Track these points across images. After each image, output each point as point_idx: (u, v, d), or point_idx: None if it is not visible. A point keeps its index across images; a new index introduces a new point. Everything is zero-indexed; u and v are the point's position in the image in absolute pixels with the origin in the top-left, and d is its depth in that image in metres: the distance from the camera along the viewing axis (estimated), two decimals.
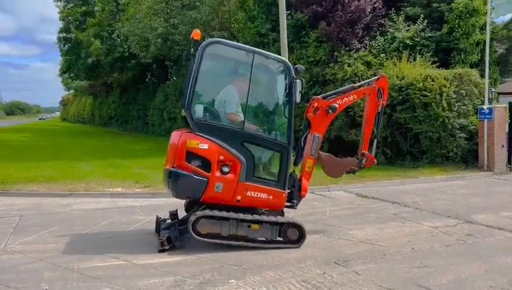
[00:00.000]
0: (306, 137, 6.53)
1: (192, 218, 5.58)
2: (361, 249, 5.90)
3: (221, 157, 5.63)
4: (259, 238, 5.92)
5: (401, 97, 13.19)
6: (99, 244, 6.06)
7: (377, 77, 6.94)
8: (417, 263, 5.37)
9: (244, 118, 5.80)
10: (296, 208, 6.41)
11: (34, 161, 15.06)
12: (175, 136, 5.84)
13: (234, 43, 6.43)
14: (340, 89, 7.07)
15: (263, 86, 6.32)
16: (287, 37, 16.88)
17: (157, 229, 5.97)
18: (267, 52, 6.28)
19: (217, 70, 6.44)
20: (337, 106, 6.46)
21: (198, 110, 5.74)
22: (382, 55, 14.62)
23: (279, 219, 5.93)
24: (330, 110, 6.40)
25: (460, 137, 13.12)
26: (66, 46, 42.31)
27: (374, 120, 7.00)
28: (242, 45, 6.42)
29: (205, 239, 5.66)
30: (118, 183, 10.35)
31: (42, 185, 10.02)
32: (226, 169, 5.65)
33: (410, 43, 14.56)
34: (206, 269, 5.14)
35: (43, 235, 6.54)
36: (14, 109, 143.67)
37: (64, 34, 42.43)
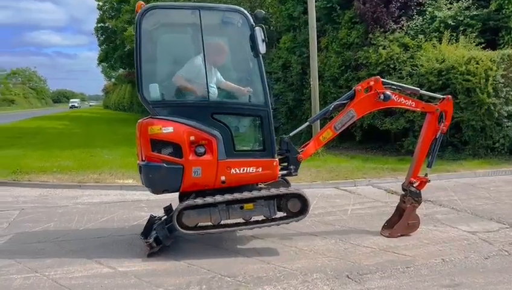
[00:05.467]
0: (340, 106, 5.72)
1: (176, 211, 4.95)
2: (381, 259, 5.04)
3: (192, 138, 4.91)
4: (259, 219, 5.24)
5: (440, 82, 11.95)
6: (87, 246, 5.53)
7: (442, 97, 5.92)
8: (447, 280, 4.47)
9: (207, 87, 5.04)
10: (295, 174, 5.59)
11: (59, 149, 14.97)
12: (138, 126, 5.15)
13: (173, 3, 5.57)
14: (406, 85, 6.21)
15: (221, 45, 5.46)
16: (319, 19, 15.93)
17: (145, 231, 5.34)
18: (215, 4, 5.44)
19: (166, 41, 5.64)
20: (392, 97, 5.57)
21: (153, 90, 5.03)
22: (420, 36, 13.32)
23: (273, 191, 5.18)
24: (382, 97, 5.53)
25: (508, 126, 11.75)
26: (103, 36, 42.84)
27: (429, 146, 5.93)
28: (183, 3, 5.57)
29: (196, 232, 5.09)
30: (131, 175, 9.84)
31: (54, 176, 9.71)
32: (200, 150, 4.93)
33: (452, 23, 13.17)
34: (194, 280, 4.47)
35: (34, 233, 6.10)
36: (61, 97, 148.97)
37: (101, 24, 42.96)
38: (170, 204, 5.91)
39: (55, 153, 13.76)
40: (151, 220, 5.66)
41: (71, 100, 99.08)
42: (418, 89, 6.02)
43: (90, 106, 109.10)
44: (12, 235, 5.98)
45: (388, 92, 5.62)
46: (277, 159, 5.24)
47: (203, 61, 5.06)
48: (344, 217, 6.83)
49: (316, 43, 13.40)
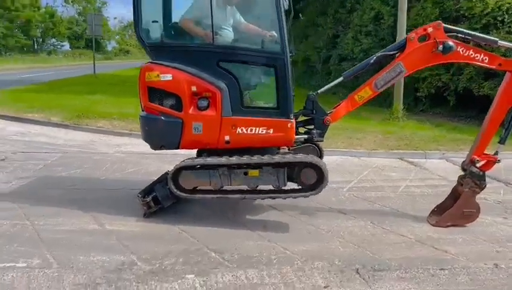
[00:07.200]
0: (386, 57, 4.65)
1: (171, 171, 4.40)
2: (411, 254, 4.02)
3: (194, 89, 4.23)
4: (265, 188, 4.52)
5: None
6: (94, 197, 5.26)
7: None
8: None
9: (212, 28, 4.21)
10: (320, 140, 4.68)
11: (134, 97, 15.27)
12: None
13: None
14: (479, 34, 4.77)
15: None
16: None
17: (148, 189, 4.84)
18: None
19: None
20: (454, 48, 4.32)
21: (153, 30, 4.38)
22: None
23: (283, 158, 4.36)
24: (440, 48, 4.33)
25: None
26: None
27: (504, 116, 4.57)
28: None
29: (193, 195, 4.52)
30: None
31: (110, 122, 9.78)
32: (203, 103, 4.24)
33: None
34: (176, 251, 3.93)
35: (56, 178, 6.03)
36: None
37: None
38: None
39: (130, 100, 13.99)
40: (163, 177, 5.18)
41: None
42: (496, 39, 4.59)
43: None
44: (35, 178, 5.97)
45: (450, 42, 4.34)
46: (293, 120, 4.36)
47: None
48: (391, 195, 5.73)
49: None
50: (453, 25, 11.83)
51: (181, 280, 3.44)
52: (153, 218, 4.63)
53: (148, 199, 4.62)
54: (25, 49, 55.87)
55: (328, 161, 7.20)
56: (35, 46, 60.92)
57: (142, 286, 3.33)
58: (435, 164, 7.53)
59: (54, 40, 64.51)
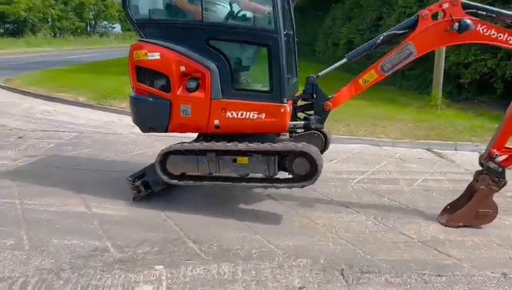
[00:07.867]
0: (395, 37, 4.21)
1: (158, 156, 4.22)
2: (408, 256, 3.62)
3: (183, 69, 4.01)
4: (255, 177, 4.24)
5: None
6: (92, 178, 5.20)
7: None
8: None
9: (202, 4, 3.94)
10: (319, 127, 4.35)
11: None
12: None
13: None
14: (503, 11, 4.17)
15: None
16: None
17: (138, 173, 4.68)
18: None
19: None
20: (472, 27, 3.82)
21: (142, 6, 4.17)
22: None
23: (275, 146, 4.04)
24: (456, 27, 3.83)
25: None
26: None
27: None
28: None
29: (179, 182, 4.28)
30: None
31: None
32: (192, 84, 4.01)
33: None
34: (154, 238, 3.76)
35: (62, 157, 6.05)
36: None
37: None
38: None
39: None
40: None
41: None
42: None
43: None
44: (43, 156, 6.03)
45: (467, 20, 3.83)
46: (286, 105, 4.02)
47: None
48: (405, 189, 5.27)
49: None
50: (503, 7, 10.89)
51: (148, 271, 3.26)
52: (143, 203, 4.50)
53: (138, 183, 4.48)
54: (79, 31, 57.85)
55: (346, 149, 6.86)
56: (88, 29, 62.96)
57: (106, 275, 3.19)
58: (466, 156, 6.89)
59: (105, 22, 66.35)
